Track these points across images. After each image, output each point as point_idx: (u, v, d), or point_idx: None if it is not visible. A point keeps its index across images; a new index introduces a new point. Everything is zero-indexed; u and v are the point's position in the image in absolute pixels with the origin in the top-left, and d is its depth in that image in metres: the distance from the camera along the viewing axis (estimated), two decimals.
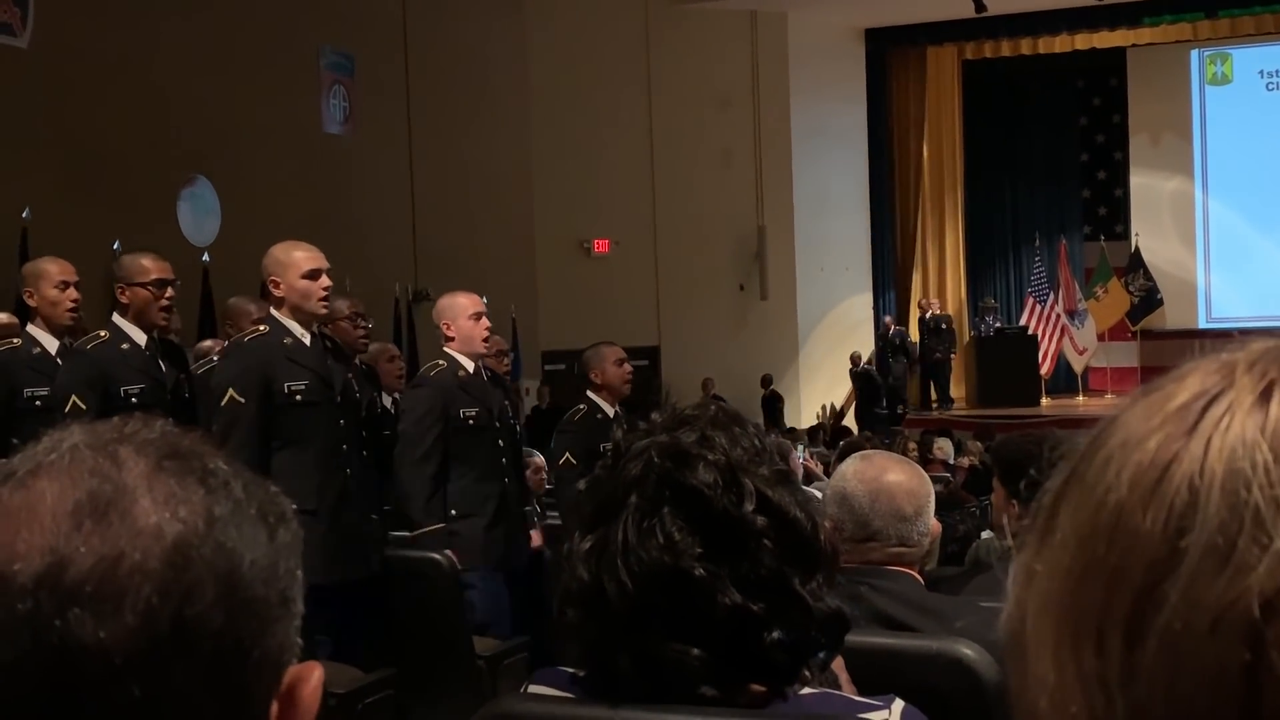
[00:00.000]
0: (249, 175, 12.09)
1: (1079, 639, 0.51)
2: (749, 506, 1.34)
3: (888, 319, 18.39)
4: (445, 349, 5.18)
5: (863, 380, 17.27)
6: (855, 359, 17.36)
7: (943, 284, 19.65)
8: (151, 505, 0.68)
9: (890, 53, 19.24)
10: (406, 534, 4.93)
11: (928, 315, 18.25)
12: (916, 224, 19.63)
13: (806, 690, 1.36)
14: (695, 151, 16.96)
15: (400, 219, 14.32)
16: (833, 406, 17.71)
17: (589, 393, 5.80)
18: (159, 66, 11.29)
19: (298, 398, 4.26)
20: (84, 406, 4.20)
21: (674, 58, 16.98)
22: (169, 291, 4.58)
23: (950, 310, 19.14)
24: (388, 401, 6.33)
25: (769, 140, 17.44)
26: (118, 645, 0.65)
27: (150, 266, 4.57)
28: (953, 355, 18.35)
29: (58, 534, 0.66)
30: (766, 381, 16.88)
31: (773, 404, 16.68)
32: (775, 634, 1.31)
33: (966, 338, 19.05)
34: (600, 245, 17.25)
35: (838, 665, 1.53)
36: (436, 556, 4.51)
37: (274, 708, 0.72)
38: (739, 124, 17.28)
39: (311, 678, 0.74)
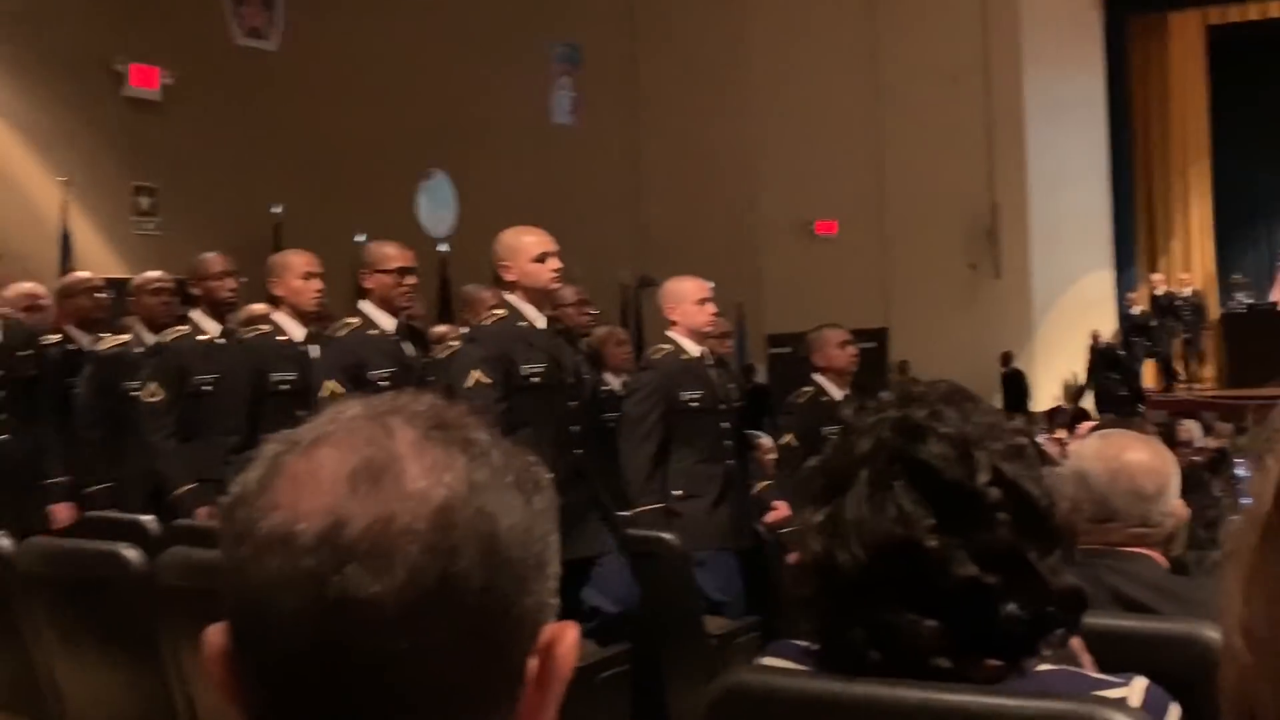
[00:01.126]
0: (482, 167, 12.45)
1: None
2: (983, 479, 1.34)
3: (1131, 295, 17.72)
4: (669, 333, 5.24)
5: (1103, 359, 16.67)
6: (1095, 336, 16.79)
7: (1189, 259, 18.80)
8: (419, 471, 0.73)
9: (1130, 19, 18.47)
10: (626, 513, 5.01)
11: (1181, 292, 17.54)
12: (1160, 197, 18.82)
13: (1044, 666, 1.35)
14: (923, 128, 16.64)
15: (626, 206, 14.53)
16: (1073, 384, 17.15)
17: (814, 375, 5.79)
18: (397, 65, 11.73)
19: (534, 380, 4.37)
20: (340, 391, 4.40)
21: (900, 32, 16.69)
22: (410, 279, 4.76)
23: (1199, 286, 18.30)
24: (616, 384, 6.45)
25: (1001, 114, 16.98)
26: (388, 599, 0.70)
27: (393, 254, 4.76)
28: (1203, 331, 17.59)
29: (336, 497, 0.72)
30: (1007, 359, 16.45)
31: (1015, 382, 16.22)
32: (1011, 607, 1.30)
33: (1215, 315, 18.19)
34: (825, 227, 17.10)
35: (1076, 644, 1.51)
36: (666, 536, 4.57)
37: (532, 663, 0.76)
38: (969, 98, 16.87)
39: (567, 636, 0.78)
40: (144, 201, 9.90)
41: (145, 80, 9.98)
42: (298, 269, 5.02)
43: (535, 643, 0.77)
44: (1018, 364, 16.57)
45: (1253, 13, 18.01)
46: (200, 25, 10.43)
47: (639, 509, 4.95)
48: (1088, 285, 17.96)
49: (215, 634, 0.76)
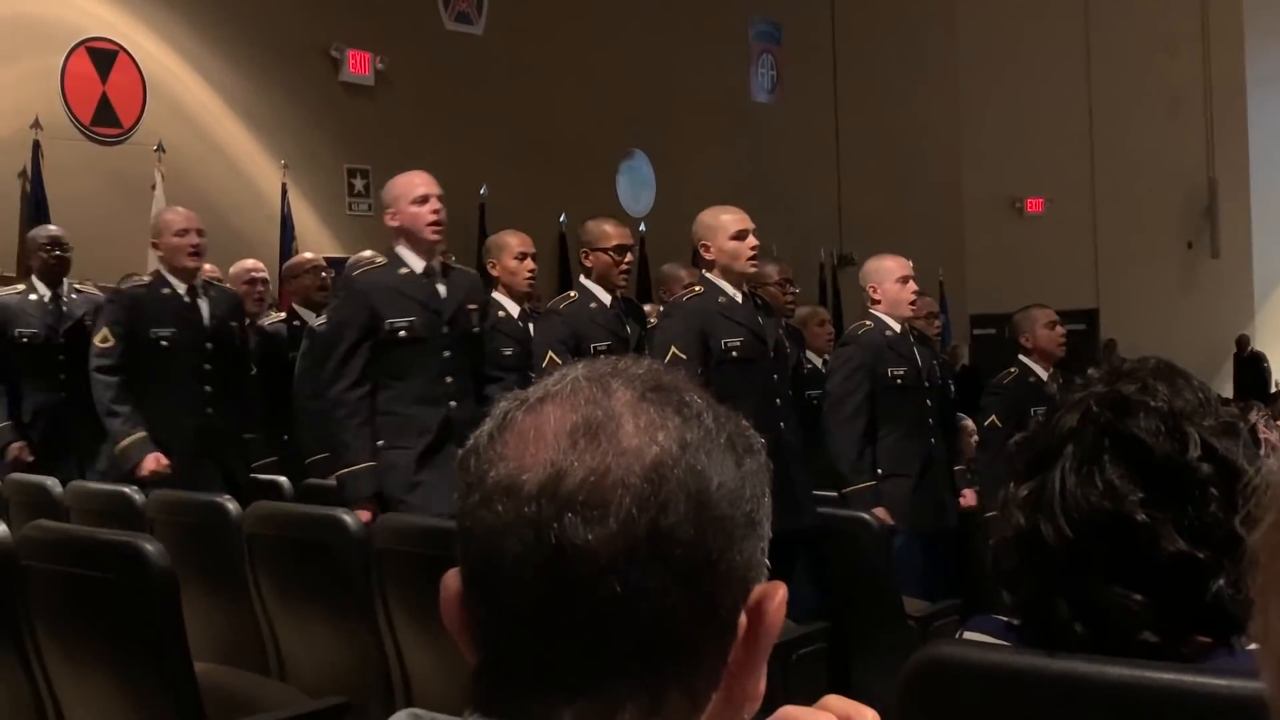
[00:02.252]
0: (681, 147, 12.52)
1: None
2: (1194, 454, 1.31)
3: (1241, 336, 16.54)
4: (871, 311, 5.21)
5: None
6: (1241, 344, 15.83)
7: None
8: (634, 429, 0.78)
9: None
10: (833, 492, 5.00)
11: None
12: None
13: (1254, 645, 1.31)
14: (1137, 101, 16.04)
15: (826, 184, 14.41)
16: None
17: (1020, 356, 5.68)
18: (597, 46, 11.88)
19: (734, 354, 4.40)
20: (559, 362, 4.50)
21: (1114, 3, 16.13)
22: (628, 256, 4.84)
23: None
24: (818, 363, 6.43)
25: (1221, 86, 16.26)
26: (602, 546, 0.75)
27: (612, 233, 4.85)
28: None
29: (558, 450, 0.77)
30: (1242, 343, 15.68)
31: (1254, 366, 15.45)
32: (1220, 583, 1.28)
33: None
34: (1033, 204, 16.66)
35: None
36: (866, 516, 4.55)
37: (742, 619, 0.80)
38: (1186, 69, 16.20)
39: (777, 595, 0.81)
40: (358, 183, 10.28)
41: (360, 66, 10.33)
42: (513, 249, 5.26)
43: (745, 599, 0.80)
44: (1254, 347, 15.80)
45: None
46: (411, 11, 10.74)
47: (851, 487, 4.93)
48: None
49: (451, 577, 0.82)
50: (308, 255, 7.07)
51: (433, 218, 4.32)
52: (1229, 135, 16.33)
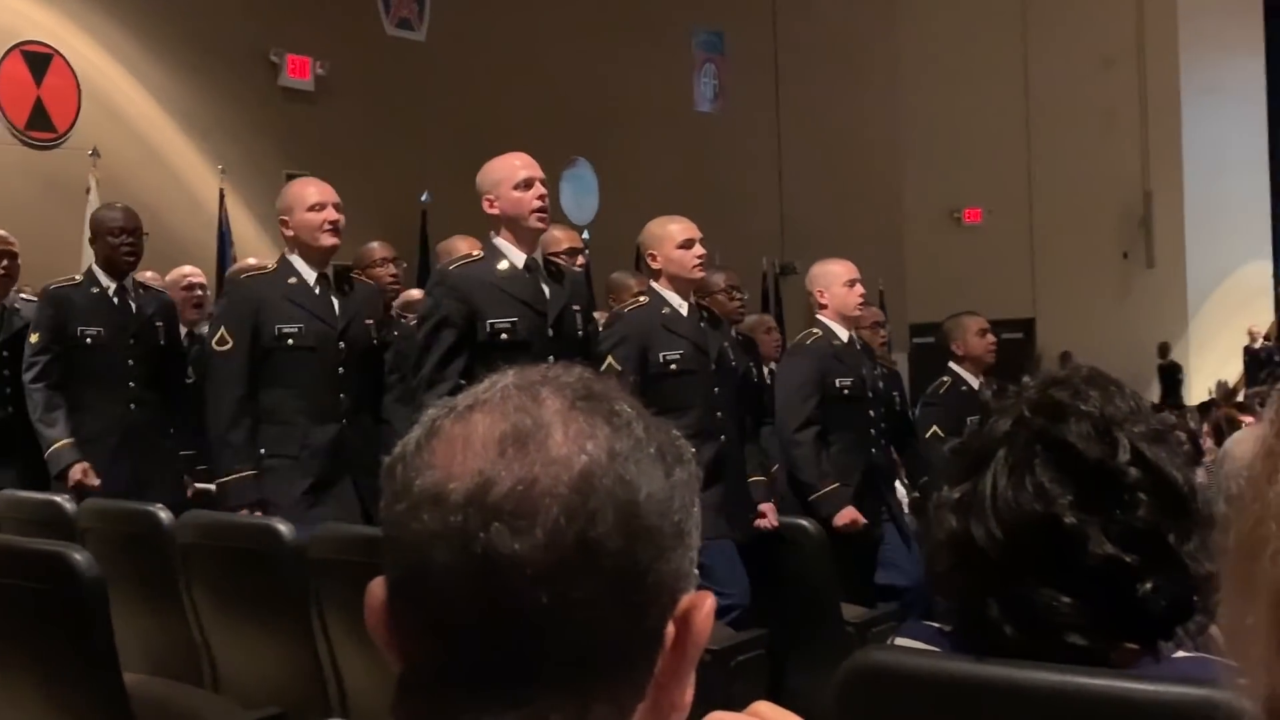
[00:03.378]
0: (625, 155, 12.54)
1: None
2: (1123, 458, 1.33)
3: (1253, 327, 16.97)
4: (818, 316, 5.20)
5: (1257, 361, 16.04)
6: (1252, 335, 16.16)
7: None
8: (564, 439, 0.77)
9: None
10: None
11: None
12: None
13: (1181, 653, 1.33)
14: (1074, 114, 16.26)
15: (768, 194, 14.48)
16: (1226, 385, 16.61)
17: (952, 364, 5.72)
18: (540, 54, 11.88)
19: (673, 366, 4.39)
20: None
21: (1052, 15, 16.34)
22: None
23: None
24: (765, 372, 6.45)
25: (1156, 99, 16.52)
26: (529, 557, 0.74)
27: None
28: None
29: (485, 459, 0.77)
30: (1164, 350, 15.97)
31: (1170, 375, 15.76)
32: (1148, 588, 1.29)
33: None
34: (972, 215, 16.84)
35: (1218, 632, 1.48)
36: (805, 523, 4.56)
37: (669, 629, 0.79)
38: (1122, 83, 16.45)
39: (705, 605, 0.80)
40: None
41: (299, 71, 10.26)
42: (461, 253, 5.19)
43: (673, 609, 0.79)
44: (1174, 356, 16.11)
45: None
46: (352, 16, 10.68)
47: (819, 494, 4.92)
48: (1246, 276, 17.38)
49: (376, 586, 0.81)
50: (250, 261, 7.00)
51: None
52: (1164, 148, 16.58)
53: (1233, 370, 16.81)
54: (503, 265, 4.03)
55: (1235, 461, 2.29)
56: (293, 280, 4.26)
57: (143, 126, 9.42)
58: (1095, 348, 15.47)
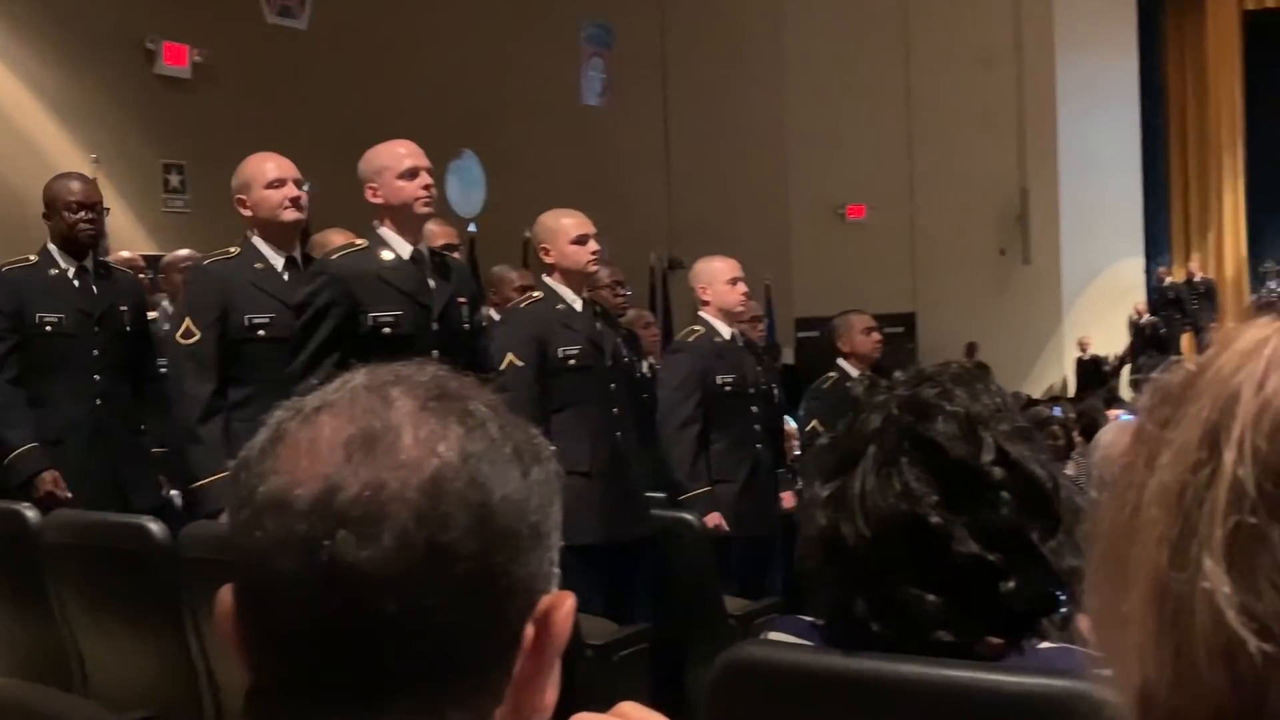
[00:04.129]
0: (512, 148, 12.47)
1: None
2: (987, 458, 1.35)
3: (1161, 269, 17.62)
4: (701, 314, 5.22)
5: (1143, 336, 16.58)
6: (1138, 311, 16.78)
7: (1221, 246, 18.67)
8: (413, 441, 0.75)
9: (1165, 4, 18.32)
10: (660, 495, 5.02)
11: (1195, 279, 17.43)
12: (1194, 183, 18.68)
13: (1045, 645, 1.36)
14: (955, 113, 16.55)
15: (655, 188, 14.52)
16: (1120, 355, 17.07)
17: (839, 360, 5.79)
18: (426, 44, 11.76)
19: (571, 362, 4.35)
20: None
21: (932, 16, 16.61)
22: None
23: (1230, 273, 18.16)
24: (644, 367, 6.46)
25: (1033, 99, 16.88)
26: (376, 564, 0.72)
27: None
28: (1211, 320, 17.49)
29: (331, 464, 0.74)
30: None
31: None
32: (1011, 585, 1.31)
33: (1246, 302, 18.05)
34: (855, 211, 17.06)
35: (1084, 623, 1.51)
36: (689, 517, 4.58)
37: (528, 631, 0.77)
38: (1001, 82, 16.78)
39: (564, 605, 0.79)
40: (173, 179, 9.98)
41: (176, 58, 10.03)
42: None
43: (532, 611, 0.78)
44: (1041, 353, 16.57)
45: None
46: (232, 3, 10.47)
47: (688, 494, 4.94)
48: (1119, 272, 17.86)
49: (225, 594, 0.78)
50: (124, 254, 6.83)
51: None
52: (1040, 146, 16.95)
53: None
54: (387, 256, 3.87)
55: (1104, 451, 2.35)
56: (259, 265, 4.01)
57: (13, 113, 9.14)
58: (975, 343, 15.80)
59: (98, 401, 4.53)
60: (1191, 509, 0.55)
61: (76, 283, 4.61)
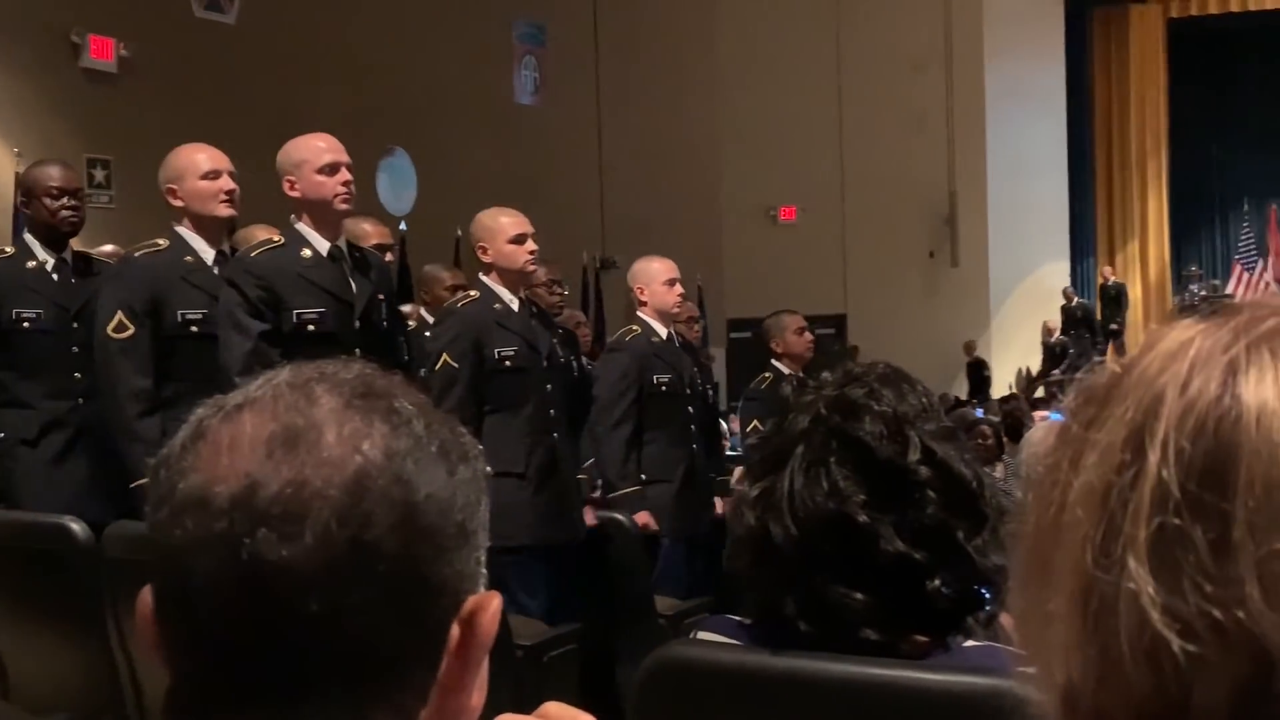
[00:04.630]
0: (444, 146, 12.40)
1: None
2: (914, 457, 1.37)
3: (1067, 288, 17.74)
4: (638, 314, 5.22)
5: (1054, 353, 16.78)
6: (1048, 329, 16.90)
7: (1145, 250, 18.99)
8: (336, 439, 0.74)
9: (1091, 12, 18.62)
10: (596, 495, 5.03)
11: (1109, 283, 17.67)
12: (1118, 188, 19.00)
13: (970, 643, 1.38)
14: (886, 116, 16.70)
15: (588, 188, 14.50)
16: (1028, 371, 17.28)
17: (772, 361, 5.83)
18: (357, 40, 11.66)
19: (507, 363, 4.32)
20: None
21: (864, 21, 16.75)
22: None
23: (1154, 277, 18.48)
24: (579, 367, 6.45)
25: (962, 104, 17.07)
26: (297, 563, 0.71)
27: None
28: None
29: (253, 461, 0.73)
30: (969, 348, 16.57)
31: (977, 371, 16.34)
32: (937, 582, 1.33)
33: (1170, 305, 18.39)
34: (787, 213, 17.16)
35: (1008, 623, 1.53)
36: (620, 517, 4.59)
37: (453, 632, 0.77)
38: (931, 87, 16.95)
39: (490, 605, 0.78)
40: (98, 174, 9.81)
41: (102, 52, 9.87)
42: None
43: (457, 611, 0.77)
44: (978, 353, 16.73)
45: (1212, 6, 18.19)
46: None
47: (618, 492, 4.93)
48: (1046, 275, 18.11)
49: (146, 595, 0.77)
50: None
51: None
52: (969, 150, 17.15)
53: (1033, 365, 17.52)
54: (305, 253, 3.80)
55: (1032, 450, 2.38)
56: (189, 259, 3.89)
57: None
58: (902, 343, 15.93)
59: (79, 402, 4.30)
60: (1116, 509, 0.56)
61: (56, 276, 4.37)
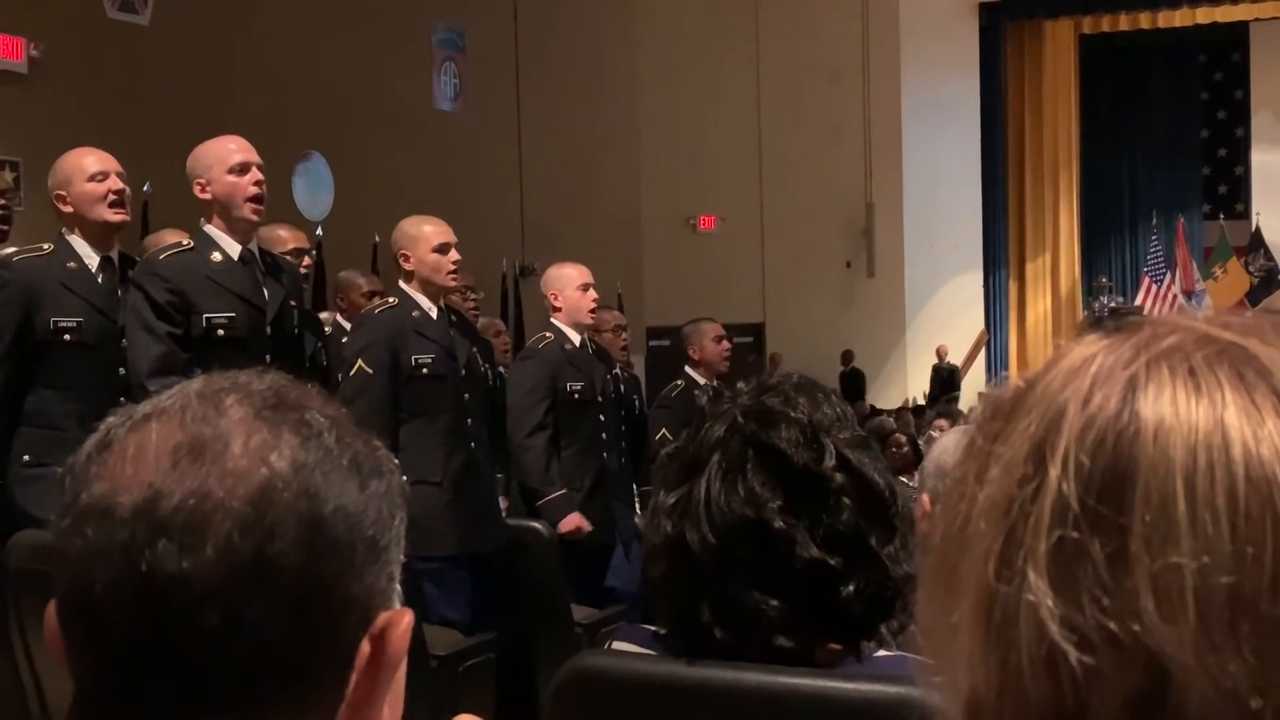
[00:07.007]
0: (362, 151, 12.30)
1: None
2: (829, 464, 1.38)
3: (941, 346, 17.01)
4: (552, 320, 5.20)
5: (941, 379, 16.58)
6: (941, 353, 16.86)
7: (1056, 262, 19.33)
8: (243, 450, 0.73)
9: (1005, 26, 18.92)
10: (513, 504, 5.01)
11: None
12: (1030, 200, 19.32)
13: (882, 652, 1.39)
14: (803, 127, 16.85)
15: (508, 195, 14.46)
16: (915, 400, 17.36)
17: (687, 369, 5.84)
18: (274, 43, 11.53)
19: (424, 371, 4.29)
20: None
21: (783, 32, 16.88)
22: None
23: (1064, 289, 18.81)
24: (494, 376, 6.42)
25: (879, 115, 17.27)
26: (198, 575, 0.70)
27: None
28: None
29: (157, 471, 0.72)
30: (846, 358, 16.58)
31: (853, 382, 16.30)
32: (851, 588, 1.34)
33: (1079, 316, 18.74)
34: (706, 221, 17.23)
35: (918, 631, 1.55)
36: (537, 525, 4.57)
37: (364, 648, 0.76)
38: (848, 99, 17.13)
39: (402, 622, 0.77)
40: (8, 176, 9.60)
41: (11, 51, 9.66)
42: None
43: (368, 628, 0.76)
44: (884, 365, 16.81)
45: (1124, 23, 18.57)
46: None
47: (545, 499, 4.90)
48: (960, 286, 18.37)
49: (53, 607, 0.76)
50: None
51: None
52: (886, 162, 17.35)
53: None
54: (216, 256, 3.75)
55: (934, 455, 2.41)
56: (72, 265, 3.79)
57: None
58: (819, 352, 16.06)
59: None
60: (1017, 522, 0.56)
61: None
